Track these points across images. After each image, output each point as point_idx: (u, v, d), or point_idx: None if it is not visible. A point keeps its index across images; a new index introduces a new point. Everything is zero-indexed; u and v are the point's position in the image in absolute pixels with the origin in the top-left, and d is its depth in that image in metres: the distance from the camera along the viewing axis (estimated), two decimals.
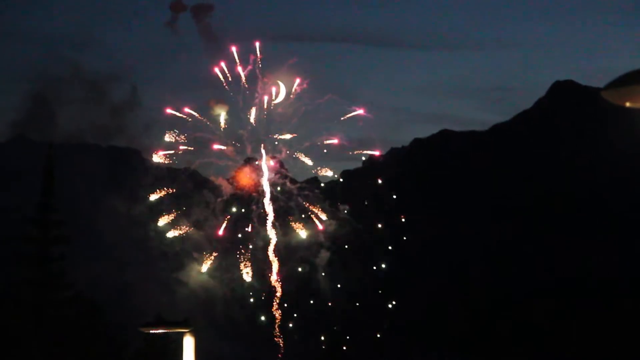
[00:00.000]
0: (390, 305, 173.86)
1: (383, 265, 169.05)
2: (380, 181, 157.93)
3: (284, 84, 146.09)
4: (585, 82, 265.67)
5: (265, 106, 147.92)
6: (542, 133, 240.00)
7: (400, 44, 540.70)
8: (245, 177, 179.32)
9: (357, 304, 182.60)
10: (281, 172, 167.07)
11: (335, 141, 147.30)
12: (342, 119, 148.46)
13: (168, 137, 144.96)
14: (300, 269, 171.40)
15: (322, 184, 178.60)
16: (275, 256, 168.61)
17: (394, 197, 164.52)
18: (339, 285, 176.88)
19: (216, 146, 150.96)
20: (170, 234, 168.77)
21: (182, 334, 32.39)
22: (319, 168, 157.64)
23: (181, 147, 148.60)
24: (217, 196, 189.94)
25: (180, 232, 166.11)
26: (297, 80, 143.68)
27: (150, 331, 32.52)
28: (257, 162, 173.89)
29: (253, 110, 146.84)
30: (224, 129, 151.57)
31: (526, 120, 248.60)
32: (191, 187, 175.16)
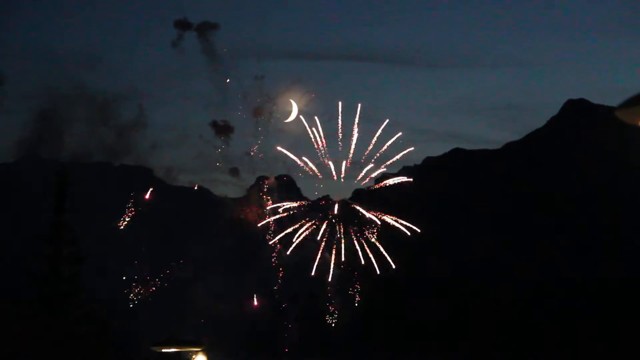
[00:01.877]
0: None
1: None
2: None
3: (296, 102, 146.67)
4: (598, 101, 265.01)
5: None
6: (554, 152, 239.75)
7: (411, 62, 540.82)
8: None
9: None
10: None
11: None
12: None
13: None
14: None
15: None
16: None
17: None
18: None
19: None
20: None
21: (194, 353, 32.36)
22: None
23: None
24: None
25: None
26: (308, 98, 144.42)
27: (163, 350, 32.51)
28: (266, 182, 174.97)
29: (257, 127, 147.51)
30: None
31: (538, 139, 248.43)
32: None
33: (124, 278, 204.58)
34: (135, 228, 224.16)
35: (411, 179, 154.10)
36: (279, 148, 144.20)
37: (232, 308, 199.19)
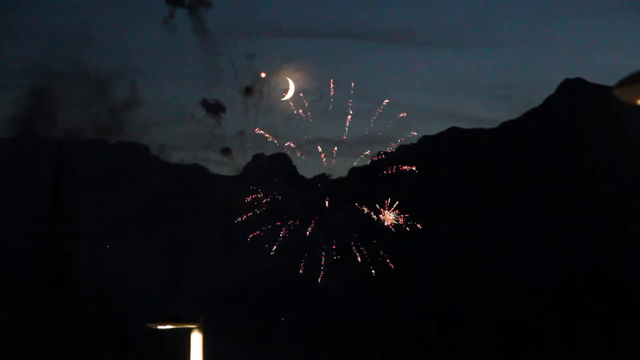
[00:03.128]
0: None
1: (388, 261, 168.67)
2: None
3: (292, 81, 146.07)
4: (595, 80, 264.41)
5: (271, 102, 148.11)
6: (551, 131, 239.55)
7: (408, 41, 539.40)
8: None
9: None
10: None
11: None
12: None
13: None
14: None
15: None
16: None
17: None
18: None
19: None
20: None
21: (190, 330, 32.42)
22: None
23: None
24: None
25: None
26: (304, 77, 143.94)
27: (158, 327, 32.50)
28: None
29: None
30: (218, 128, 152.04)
31: (535, 118, 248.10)
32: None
33: (119, 257, 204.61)
34: (133, 205, 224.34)
35: (413, 167, 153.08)
36: (258, 131, 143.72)
37: (226, 284, 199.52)
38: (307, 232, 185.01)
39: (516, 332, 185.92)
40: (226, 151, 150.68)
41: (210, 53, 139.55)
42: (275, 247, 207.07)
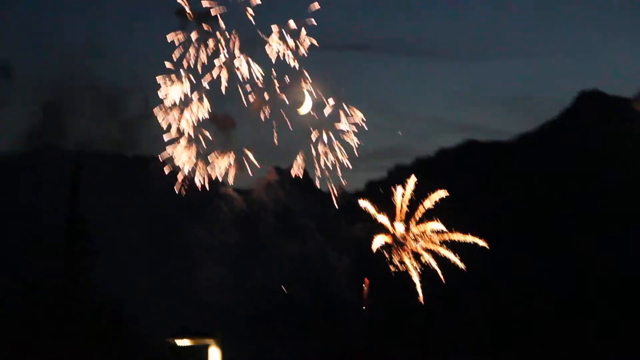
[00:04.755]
0: None
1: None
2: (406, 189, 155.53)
3: (310, 93, 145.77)
4: (612, 92, 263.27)
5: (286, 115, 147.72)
6: (567, 142, 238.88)
7: (424, 54, 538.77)
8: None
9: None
10: None
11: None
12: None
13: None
14: None
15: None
16: None
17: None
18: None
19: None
20: None
21: (208, 346, 32.26)
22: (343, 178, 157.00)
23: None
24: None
25: None
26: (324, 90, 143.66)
27: (176, 342, 32.41)
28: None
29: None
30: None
31: (551, 130, 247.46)
32: None
33: (131, 271, 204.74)
34: (150, 218, 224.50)
35: (444, 191, 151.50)
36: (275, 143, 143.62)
37: (240, 298, 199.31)
38: (323, 246, 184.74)
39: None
40: (238, 166, 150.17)
41: (219, 67, 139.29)
42: (289, 261, 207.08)
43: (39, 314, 74.32)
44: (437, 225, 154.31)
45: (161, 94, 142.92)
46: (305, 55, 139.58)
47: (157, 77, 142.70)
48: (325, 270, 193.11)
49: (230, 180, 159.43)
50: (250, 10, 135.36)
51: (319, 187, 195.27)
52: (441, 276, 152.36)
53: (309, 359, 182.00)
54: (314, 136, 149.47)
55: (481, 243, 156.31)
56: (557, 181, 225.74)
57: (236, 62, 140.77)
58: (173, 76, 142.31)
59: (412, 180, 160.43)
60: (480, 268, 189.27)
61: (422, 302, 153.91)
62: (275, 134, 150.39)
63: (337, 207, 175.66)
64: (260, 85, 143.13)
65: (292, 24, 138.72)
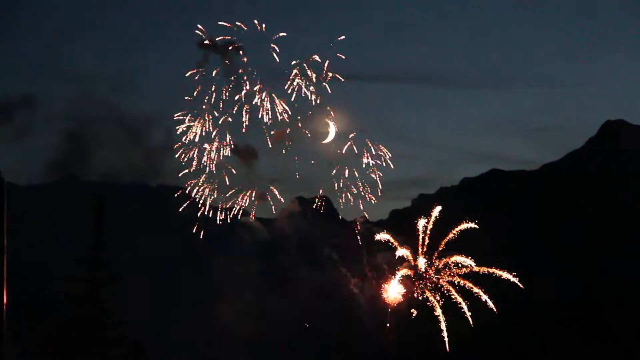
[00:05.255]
0: None
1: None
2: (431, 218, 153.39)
3: (334, 124, 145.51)
4: (637, 121, 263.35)
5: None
6: (592, 172, 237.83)
7: (447, 83, 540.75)
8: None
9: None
10: None
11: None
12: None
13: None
14: None
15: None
16: None
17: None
18: None
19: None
20: None
21: None
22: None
23: None
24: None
25: None
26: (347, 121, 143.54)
27: None
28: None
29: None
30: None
31: (576, 160, 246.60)
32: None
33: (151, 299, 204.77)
34: (175, 248, 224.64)
35: (475, 223, 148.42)
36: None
37: (261, 327, 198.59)
38: (346, 277, 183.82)
39: None
40: (259, 197, 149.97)
41: (240, 99, 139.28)
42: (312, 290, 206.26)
43: (62, 341, 74.35)
44: (462, 259, 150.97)
45: (181, 130, 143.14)
46: (329, 90, 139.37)
47: (175, 115, 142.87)
48: (348, 303, 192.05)
49: (253, 211, 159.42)
50: (274, 46, 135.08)
51: (341, 217, 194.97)
52: (469, 318, 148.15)
53: None
54: (337, 169, 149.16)
55: (511, 278, 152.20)
56: (583, 210, 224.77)
57: (257, 97, 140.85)
58: (191, 115, 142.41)
59: (436, 211, 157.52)
60: (511, 307, 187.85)
61: (447, 350, 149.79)
62: (298, 165, 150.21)
63: (359, 237, 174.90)
64: (282, 117, 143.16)
65: (316, 57, 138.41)
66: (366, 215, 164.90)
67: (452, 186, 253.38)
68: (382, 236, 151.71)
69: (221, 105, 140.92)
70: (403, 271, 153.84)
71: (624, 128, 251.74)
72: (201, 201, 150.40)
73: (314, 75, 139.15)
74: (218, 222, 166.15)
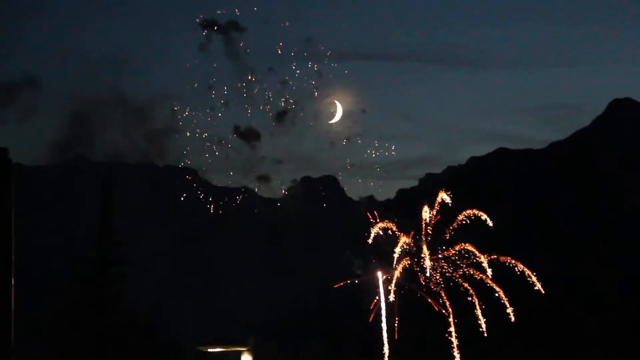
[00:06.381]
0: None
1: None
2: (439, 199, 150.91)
3: (341, 103, 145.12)
4: None
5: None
6: (599, 151, 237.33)
7: (454, 63, 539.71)
8: None
9: None
10: None
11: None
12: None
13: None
14: None
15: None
16: None
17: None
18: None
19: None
20: None
21: (240, 353, 32.24)
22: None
23: None
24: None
25: None
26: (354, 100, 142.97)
27: (208, 350, 32.42)
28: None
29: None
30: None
31: (584, 138, 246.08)
32: None
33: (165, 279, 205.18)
34: (183, 228, 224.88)
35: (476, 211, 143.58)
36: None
37: (269, 309, 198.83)
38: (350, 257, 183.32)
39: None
40: (263, 179, 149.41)
41: (244, 79, 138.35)
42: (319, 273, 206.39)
43: (72, 320, 74.58)
44: (468, 248, 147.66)
45: (187, 114, 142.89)
46: (334, 70, 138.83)
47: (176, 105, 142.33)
48: (352, 282, 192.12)
49: (259, 191, 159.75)
50: (277, 27, 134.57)
51: (348, 197, 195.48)
52: (482, 325, 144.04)
53: None
54: (343, 149, 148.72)
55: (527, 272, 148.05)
56: (590, 187, 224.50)
57: (260, 78, 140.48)
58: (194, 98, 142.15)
59: (441, 196, 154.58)
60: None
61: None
62: (303, 146, 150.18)
63: (366, 217, 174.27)
64: (286, 98, 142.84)
65: (320, 38, 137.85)
66: (373, 194, 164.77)
67: (459, 165, 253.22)
68: (384, 225, 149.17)
69: (225, 89, 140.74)
70: (405, 262, 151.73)
71: (631, 106, 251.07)
72: (206, 182, 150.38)
73: (318, 56, 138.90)
74: (223, 203, 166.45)
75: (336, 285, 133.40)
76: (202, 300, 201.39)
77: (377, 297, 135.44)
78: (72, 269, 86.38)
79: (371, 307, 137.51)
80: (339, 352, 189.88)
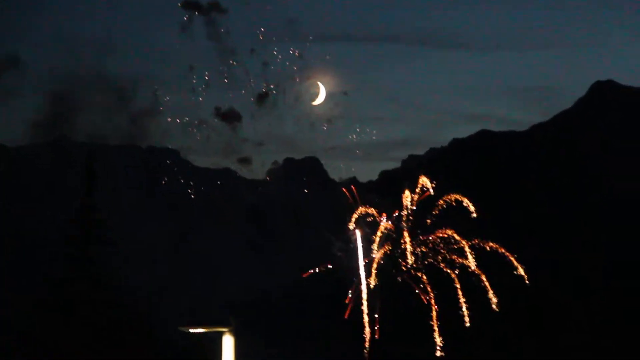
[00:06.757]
0: None
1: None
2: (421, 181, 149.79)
3: (324, 85, 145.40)
4: (626, 82, 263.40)
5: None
6: (582, 133, 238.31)
7: (439, 44, 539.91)
8: None
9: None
10: None
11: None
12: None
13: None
14: None
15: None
16: None
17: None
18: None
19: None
20: None
21: (221, 334, 32.65)
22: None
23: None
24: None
25: None
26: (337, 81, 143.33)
27: (190, 330, 32.80)
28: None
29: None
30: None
31: (566, 120, 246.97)
32: None
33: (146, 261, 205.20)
34: (165, 210, 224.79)
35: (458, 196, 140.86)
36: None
37: (252, 290, 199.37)
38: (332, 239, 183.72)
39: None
40: (244, 161, 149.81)
41: (224, 61, 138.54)
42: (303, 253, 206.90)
43: (54, 300, 74.82)
44: (449, 233, 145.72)
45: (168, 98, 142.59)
46: (315, 52, 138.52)
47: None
48: (334, 264, 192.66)
49: (242, 173, 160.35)
50: (259, 9, 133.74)
51: (330, 178, 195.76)
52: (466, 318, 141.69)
53: (322, 350, 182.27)
54: (326, 131, 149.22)
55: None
56: (572, 169, 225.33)
57: (242, 59, 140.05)
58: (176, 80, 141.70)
59: (422, 181, 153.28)
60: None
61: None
62: (285, 127, 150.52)
63: (348, 199, 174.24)
64: (268, 80, 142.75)
65: (301, 19, 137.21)
66: (355, 176, 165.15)
67: (442, 147, 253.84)
68: (365, 209, 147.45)
69: (206, 74, 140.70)
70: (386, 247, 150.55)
71: (613, 88, 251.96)
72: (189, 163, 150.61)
73: (300, 38, 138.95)
74: (205, 184, 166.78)
75: (305, 275, 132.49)
76: (182, 281, 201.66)
77: (350, 291, 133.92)
78: (54, 248, 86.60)
79: (346, 301, 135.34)
80: (322, 333, 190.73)
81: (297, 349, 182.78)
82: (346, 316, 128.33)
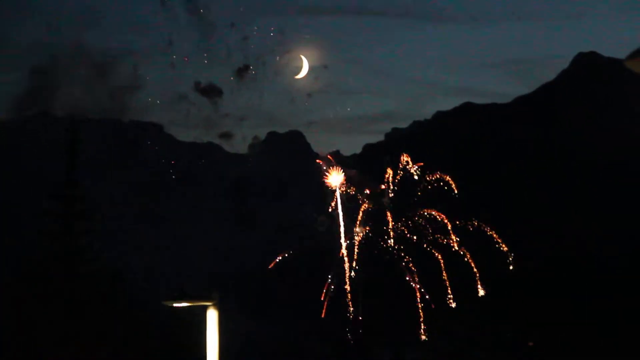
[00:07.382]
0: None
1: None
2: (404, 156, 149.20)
3: (307, 58, 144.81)
4: (609, 54, 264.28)
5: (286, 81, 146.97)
6: (565, 105, 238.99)
7: (421, 17, 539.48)
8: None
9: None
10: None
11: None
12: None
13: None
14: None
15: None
16: None
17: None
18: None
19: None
20: None
21: (205, 308, 32.59)
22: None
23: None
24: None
25: None
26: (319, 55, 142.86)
27: (174, 305, 32.71)
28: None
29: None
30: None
31: (549, 92, 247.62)
32: None
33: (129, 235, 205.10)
34: (149, 183, 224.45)
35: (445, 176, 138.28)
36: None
37: (233, 262, 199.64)
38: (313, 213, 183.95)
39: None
40: (226, 135, 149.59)
41: (205, 35, 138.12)
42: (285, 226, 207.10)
43: (37, 275, 74.69)
44: (433, 213, 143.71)
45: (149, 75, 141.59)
46: (298, 25, 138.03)
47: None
48: (315, 237, 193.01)
49: (224, 146, 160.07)
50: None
51: (314, 152, 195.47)
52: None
53: (302, 321, 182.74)
54: (308, 104, 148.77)
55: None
56: (555, 141, 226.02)
57: (223, 33, 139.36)
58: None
59: (404, 158, 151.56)
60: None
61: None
62: (268, 101, 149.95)
63: (330, 173, 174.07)
64: (249, 53, 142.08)
65: None
66: (339, 150, 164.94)
67: (426, 120, 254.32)
68: (346, 189, 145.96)
69: (186, 45, 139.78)
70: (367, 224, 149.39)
71: (596, 60, 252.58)
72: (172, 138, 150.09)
73: (282, 10, 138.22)
74: (188, 159, 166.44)
75: (271, 265, 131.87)
76: (166, 254, 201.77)
77: (329, 278, 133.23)
78: (37, 223, 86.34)
79: (324, 289, 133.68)
80: (302, 306, 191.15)
81: (276, 319, 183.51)
82: (323, 315, 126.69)
